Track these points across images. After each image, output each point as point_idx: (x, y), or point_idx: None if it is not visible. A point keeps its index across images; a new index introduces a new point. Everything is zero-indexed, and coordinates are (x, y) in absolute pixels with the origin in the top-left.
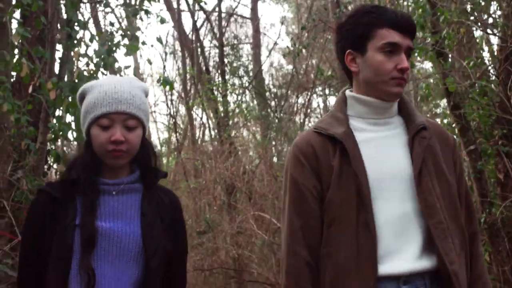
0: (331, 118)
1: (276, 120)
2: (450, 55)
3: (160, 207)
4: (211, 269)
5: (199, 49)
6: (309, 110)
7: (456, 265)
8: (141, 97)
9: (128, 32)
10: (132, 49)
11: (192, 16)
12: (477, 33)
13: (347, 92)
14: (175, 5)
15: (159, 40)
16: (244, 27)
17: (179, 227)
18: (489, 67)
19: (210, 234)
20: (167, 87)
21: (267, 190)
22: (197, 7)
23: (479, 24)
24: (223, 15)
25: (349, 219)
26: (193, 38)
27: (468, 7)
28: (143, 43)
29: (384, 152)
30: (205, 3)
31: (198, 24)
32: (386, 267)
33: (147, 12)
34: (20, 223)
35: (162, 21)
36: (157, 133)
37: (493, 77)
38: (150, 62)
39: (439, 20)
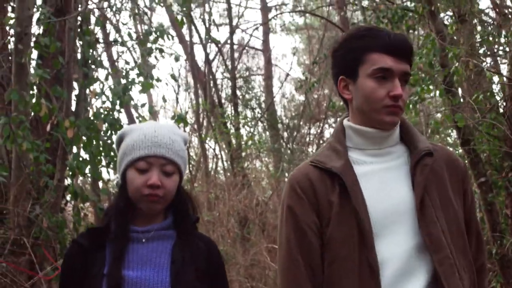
0: (329, 151)
1: (289, 151)
2: (460, 89)
3: (194, 253)
4: None
5: (211, 82)
6: (321, 141)
7: None
8: (180, 144)
9: (143, 71)
10: (146, 87)
11: (204, 49)
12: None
13: (345, 122)
14: (187, 37)
15: (173, 77)
16: (256, 58)
17: (218, 272)
18: (499, 100)
19: (226, 267)
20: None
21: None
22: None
23: (488, 57)
24: (235, 47)
25: (351, 258)
26: (206, 70)
27: (478, 39)
28: (158, 80)
29: (386, 186)
30: (218, 41)
31: (211, 56)
32: None
33: (161, 51)
34: (39, 260)
35: (177, 59)
36: None
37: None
38: (164, 100)
39: (448, 56)
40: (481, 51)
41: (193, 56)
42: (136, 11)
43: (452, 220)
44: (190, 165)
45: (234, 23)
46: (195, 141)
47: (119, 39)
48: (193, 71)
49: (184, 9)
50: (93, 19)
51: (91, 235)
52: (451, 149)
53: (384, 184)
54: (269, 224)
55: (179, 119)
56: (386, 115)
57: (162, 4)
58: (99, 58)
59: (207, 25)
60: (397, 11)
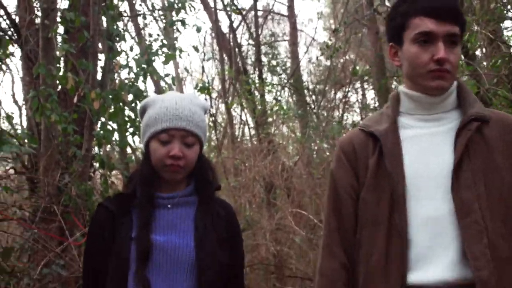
0: (379, 115)
1: (314, 117)
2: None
3: (215, 220)
4: (252, 265)
5: (236, 49)
6: (346, 106)
7: (485, 271)
8: (200, 115)
9: (166, 42)
10: (169, 58)
11: (229, 17)
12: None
13: (400, 88)
14: (211, 4)
15: (196, 48)
16: (281, 24)
17: (236, 240)
18: None
19: (249, 232)
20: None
21: (306, 187)
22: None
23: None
24: (260, 13)
25: (381, 222)
26: (230, 38)
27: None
28: (181, 50)
29: (428, 150)
30: (239, 12)
31: (235, 24)
32: (416, 276)
33: (183, 23)
34: (69, 226)
35: (198, 29)
36: None
37: None
38: (187, 71)
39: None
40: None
41: (217, 24)
42: None
43: (495, 186)
44: (217, 131)
45: None
46: (221, 107)
47: (142, 11)
48: (218, 39)
49: None
50: None
51: (117, 200)
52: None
53: (427, 148)
54: (294, 189)
55: (203, 88)
56: (432, 80)
57: None
58: (122, 32)
59: None
60: None
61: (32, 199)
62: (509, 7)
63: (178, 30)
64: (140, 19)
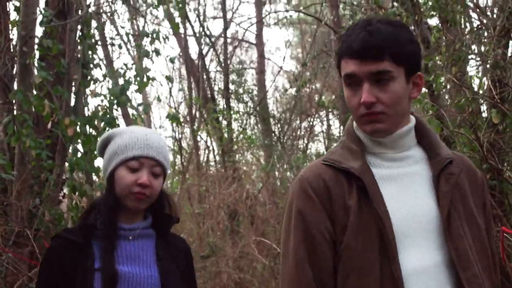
0: (343, 150)
1: (279, 146)
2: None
3: (174, 254)
4: None
5: (204, 76)
6: (312, 135)
7: None
8: (167, 150)
9: (140, 72)
10: (142, 87)
11: (198, 43)
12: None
13: (354, 125)
14: (181, 30)
15: (168, 78)
16: (249, 51)
17: (192, 272)
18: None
19: (213, 258)
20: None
21: (269, 216)
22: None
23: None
24: (228, 40)
25: (371, 270)
26: (199, 64)
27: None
28: (153, 79)
29: (406, 192)
30: (209, 36)
31: (204, 50)
32: None
33: (158, 53)
34: (39, 250)
35: (171, 60)
36: None
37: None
38: (159, 99)
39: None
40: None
41: (187, 50)
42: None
43: (476, 236)
44: (183, 157)
45: (228, 17)
46: (187, 132)
47: (117, 41)
48: (187, 65)
49: (178, 13)
50: (94, 22)
51: (78, 231)
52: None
53: (405, 190)
54: (258, 217)
55: (173, 117)
56: (366, 124)
57: (158, 9)
58: (97, 60)
59: (201, 20)
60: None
61: (5, 222)
62: (473, 47)
63: (151, 60)
64: (112, 47)
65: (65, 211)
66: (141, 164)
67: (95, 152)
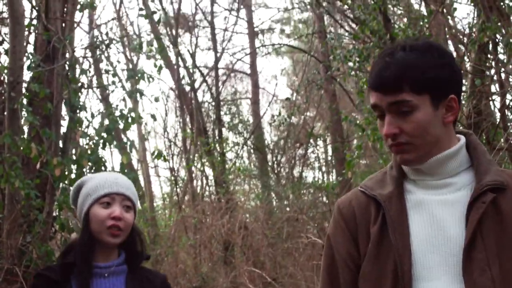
0: (383, 175)
1: (273, 176)
2: None
3: (146, 286)
4: None
5: (196, 109)
6: (307, 163)
7: None
8: (134, 189)
9: (125, 112)
10: (128, 126)
11: (189, 76)
12: None
13: None
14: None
15: (153, 117)
16: (244, 81)
17: None
18: None
19: None
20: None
21: (260, 246)
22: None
23: None
24: (223, 71)
25: None
26: (191, 97)
27: None
28: (140, 117)
29: (436, 221)
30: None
31: (197, 83)
32: None
33: (141, 94)
34: (28, 287)
35: (156, 100)
36: (160, 186)
37: None
38: (154, 118)
39: None
40: None
41: (179, 82)
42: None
43: (510, 268)
44: (178, 188)
45: (221, 48)
46: (183, 163)
47: (105, 81)
48: (180, 97)
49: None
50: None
51: (57, 269)
52: None
53: (435, 219)
54: (251, 247)
55: (158, 155)
56: (395, 154)
57: (142, 53)
58: (82, 103)
59: (192, 52)
60: (362, 51)
61: None
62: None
63: (138, 101)
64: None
65: (55, 248)
66: (112, 199)
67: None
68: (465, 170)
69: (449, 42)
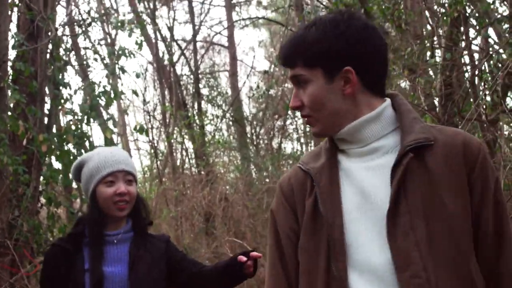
0: (319, 149)
1: (252, 148)
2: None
3: (150, 249)
4: None
5: (175, 83)
6: (285, 134)
7: None
8: (131, 160)
9: (108, 88)
10: (110, 102)
11: (168, 52)
12: None
13: None
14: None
15: (135, 92)
16: (222, 53)
17: (172, 249)
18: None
19: None
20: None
21: (241, 216)
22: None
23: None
24: (201, 44)
25: (318, 270)
26: (170, 71)
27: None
28: (122, 93)
29: (365, 189)
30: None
31: (175, 57)
32: None
33: (123, 70)
34: (19, 259)
35: (137, 75)
36: (140, 160)
37: None
38: (136, 94)
39: None
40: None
41: (158, 57)
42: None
43: (441, 226)
44: (158, 161)
45: (199, 21)
46: (162, 136)
47: (86, 61)
48: (159, 72)
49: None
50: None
51: (70, 239)
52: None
53: (362, 187)
54: (231, 218)
55: (141, 129)
56: (308, 125)
57: (123, 29)
58: (68, 79)
59: (170, 26)
60: None
61: None
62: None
63: (119, 77)
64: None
65: (43, 221)
66: (115, 177)
67: (69, 166)
68: (392, 132)
69: (427, 14)
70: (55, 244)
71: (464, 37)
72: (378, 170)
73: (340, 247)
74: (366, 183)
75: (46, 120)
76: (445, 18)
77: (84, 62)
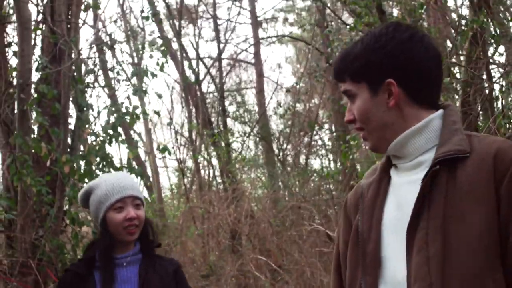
0: (378, 164)
1: (279, 165)
2: None
3: (158, 271)
4: None
5: (201, 101)
6: (312, 151)
7: None
8: (137, 184)
9: (130, 109)
10: (133, 122)
11: (193, 71)
12: None
13: None
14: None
15: (157, 113)
16: (249, 70)
17: (181, 276)
18: None
19: (213, 277)
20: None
21: (266, 234)
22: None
23: None
24: (228, 61)
25: (357, 282)
26: (196, 90)
27: None
28: (146, 113)
29: (402, 202)
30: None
31: (201, 75)
32: None
33: (145, 92)
34: (42, 279)
35: (159, 96)
36: (168, 177)
37: None
38: (158, 115)
39: None
40: None
41: (184, 75)
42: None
43: (458, 241)
44: (186, 179)
45: (225, 39)
46: (190, 154)
47: (111, 81)
48: (185, 90)
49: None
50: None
51: (81, 264)
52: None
53: (400, 200)
54: (257, 235)
55: (163, 149)
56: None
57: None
58: (89, 102)
59: (196, 45)
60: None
61: (10, 254)
62: None
63: (143, 97)
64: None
65: (67, 241)
66: (124, 203)
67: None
68: (437, 145)
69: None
70: (68, 269)
71: (482, 55)
72: (417, 183)
73: (370, 261)
74: (404, 197)
75: (70, 141)
76: (463, 35)
77: (112, 82)
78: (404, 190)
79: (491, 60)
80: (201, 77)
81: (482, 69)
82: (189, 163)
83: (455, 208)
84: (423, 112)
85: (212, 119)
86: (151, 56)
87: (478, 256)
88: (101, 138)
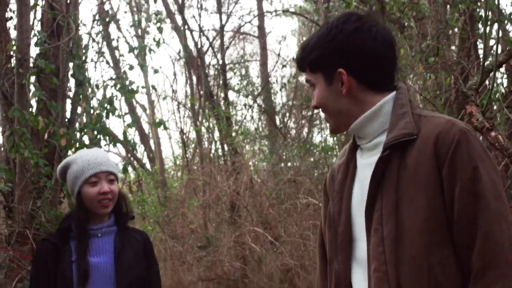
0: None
1: (281, 137)
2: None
3: (131, 242)
4: (212, 279)
5: (203, 74)
6: (313, 124)
7: None
8: (112, 160)
9: (125, 84)
10: (130, 97)
11: (195, 44)
12: None
13: None
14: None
15: (154, 87)
16: (254, 43)
17: (151, 256)
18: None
19: (210, 248)
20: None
21: (264, 206)
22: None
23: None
24: (231, 34)
25: (331, 262)
26: (198, 63)
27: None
28: (143, 87)
29: (364, 184)
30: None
31: (204, 47)
32: None
33: (142, 66)
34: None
35: (156, 71)
36: (172, 148)
37: None
38: (155, 89)
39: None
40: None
41: (187, 48)
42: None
43: (408, 221)
44: (187, 150)
45: (229, 10)
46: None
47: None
48: (187, 62)
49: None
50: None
51: (58, 234)
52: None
53: (362, 181)
54: (255, 207)
55: (159, 124)
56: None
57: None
58: (87, 77)
59: (198, 17)
60: None
61: (8, 224)
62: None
63: (141, 70)
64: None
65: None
66: (98, 178)
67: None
68: (387, 130)
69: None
70: (45, 239)
71: (471, 35)
72: (370, 166)
73: (341, 241)
74: (364, 179)
75: (69, 115)
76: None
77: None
78: (365, 172)
79: (479, 40)
80: (204, 50)
81: (472, 49)
82: (192, 135)
83: (404, 191)
84: (377, 96)
85: (214, 92)
86: (147, 32)
87: (425, 238)
88: (97, 112)
